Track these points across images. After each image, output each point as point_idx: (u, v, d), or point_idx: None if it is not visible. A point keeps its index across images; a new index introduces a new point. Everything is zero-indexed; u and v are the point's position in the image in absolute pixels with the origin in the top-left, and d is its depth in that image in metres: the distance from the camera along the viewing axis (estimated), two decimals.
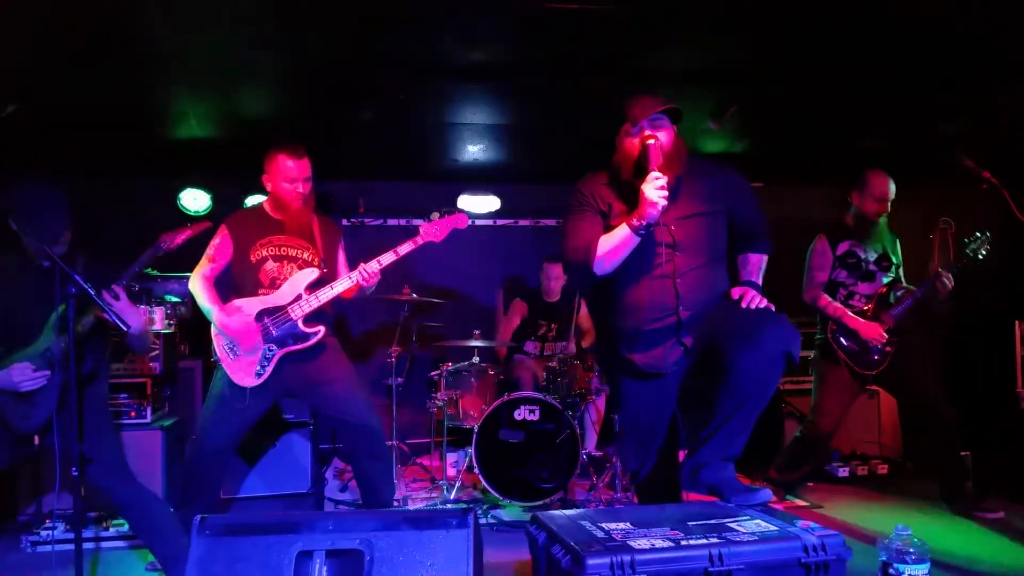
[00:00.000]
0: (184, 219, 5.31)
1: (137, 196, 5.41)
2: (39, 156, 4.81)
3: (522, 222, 6.44)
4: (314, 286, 3.38)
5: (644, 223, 2.64)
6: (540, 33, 3.70)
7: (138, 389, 4.14)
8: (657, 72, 4.11)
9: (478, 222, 6.26)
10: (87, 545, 3.60)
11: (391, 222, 6.20)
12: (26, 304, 2.95)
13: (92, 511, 3.90)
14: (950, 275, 3.98)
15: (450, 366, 4.87)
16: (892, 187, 4.15)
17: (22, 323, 2.96)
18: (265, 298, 3.36)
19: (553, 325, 5.46)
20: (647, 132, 2.73)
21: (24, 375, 2.88)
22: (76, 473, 2.73)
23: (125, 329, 2.88)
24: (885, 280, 4.20)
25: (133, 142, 4.95)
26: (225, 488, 4.43)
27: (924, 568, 2.31)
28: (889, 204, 4.16)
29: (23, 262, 2.99)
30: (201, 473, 3.36)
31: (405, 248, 3.43)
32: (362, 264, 3.39)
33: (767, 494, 2.62)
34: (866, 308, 4.16)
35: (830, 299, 4.20)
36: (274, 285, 3.38)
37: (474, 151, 5.52)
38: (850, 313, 4.13)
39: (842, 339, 4.14)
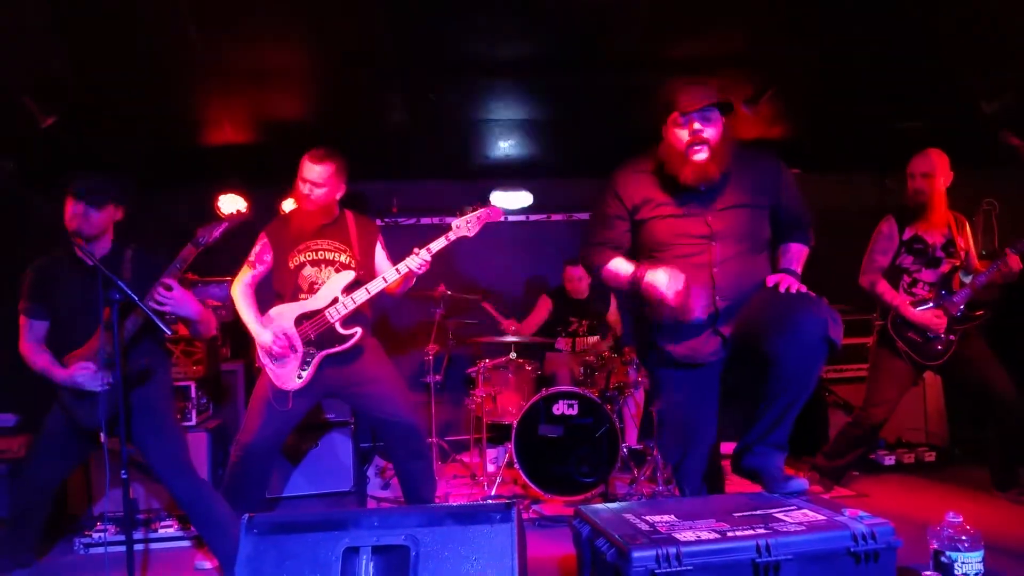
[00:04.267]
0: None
1: (174, 203, 5.50)
2: (76, 166, 4.91)
3: (555, 217, 6.42)
4: (351, 288, 3.43)
5: (640, 286, 2.72)
6: (570, 25, 3.68)
7: (182, 392, 4.21)
8: (690, 59, 4.06)
9: (511, 218, 6.27)
10: (136, 546, 3.67)
11: (424, 221, 6.22)
12: (83, 299, 3.01)
13: (140, 513, 3.99)
14: (1017, 256, 3.83)
15: (487, 362, 4.88)
16: (932, 161, 3.99)
17: (78, 319, 3.05)
18: (303, 303, 3.43)
19: (584, 321, 5.43)
20: (698, 127, 2.71)
21: (86, 375, 2.99)
22: (125, 475, 2.79)
23: (168, 333, 2.95)
24: (947, 268, 4.06)
25: (169, 149, 5.04)
26: (270, 488, 4.50)
27: (978, 556, 2.26)
28: (931, 180, 4.00)
29: (69, 260, 3.07)
30: (247, 473, 3.42)
31: (438, 244, 3.41)
32: (402, 262, 3.40)
33: (803, 483, 2.59)
34: (928, 296, 4.04)
35: (889, 286, 4.09)
36: (312, 290, 3.45)
37: (505, 147, 5.51)
38: (909, 304, 4.02)
39: (904, 330, 4.04)
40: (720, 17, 3.67)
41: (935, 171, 4.01)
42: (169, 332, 2.98)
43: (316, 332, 3.39)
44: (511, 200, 6.14)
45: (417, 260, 3.36)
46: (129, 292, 2.82)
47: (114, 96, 4.10)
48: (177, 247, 3.12)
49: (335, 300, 3.40)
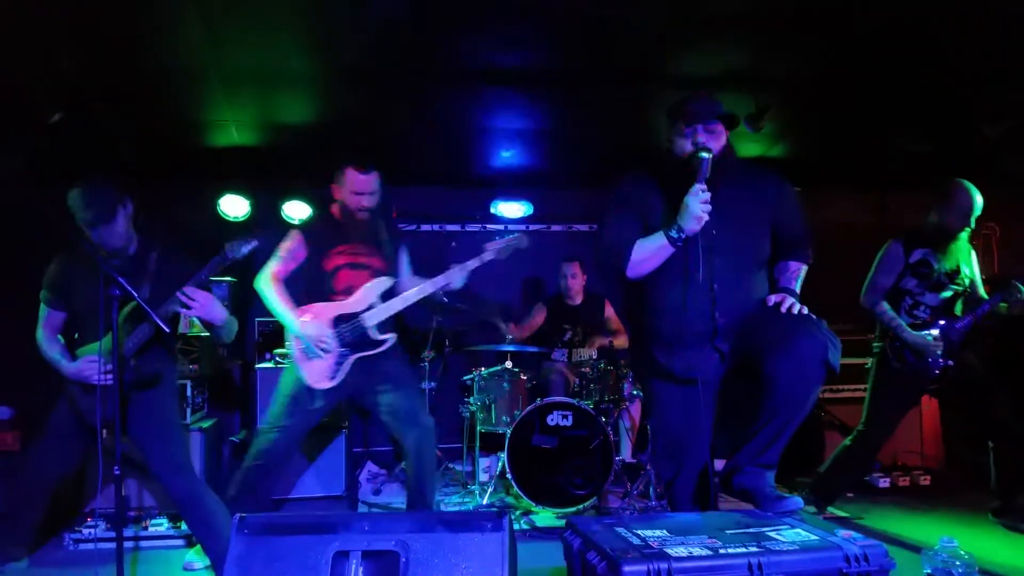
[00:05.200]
0: (224, 225, 5.38)
1: (177, 202, 5.50)
2: (81, 165, 4.92)
3: (555, 227, 6.42)
4: (387, 295, 3.52)
5: (683, 235, 2.63)
6: (575, 38, 3.70)
7: (178, 391, 4.19)
8: (693, 75, 4.08)
9: (510, 227, 6.27)
10: (127, 544, 3.65)
11: (424, 227, 6.23)
12: (97, 296, 2.99)
13: (131, 511, 3.97)
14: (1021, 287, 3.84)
15: (483, 371, 4.87)
16: (978, 201, 3.93)
17: (93, 315, 3.03)
18: (341, 304, 3.48)
19: (579, 328, 5.42)
20: (700, 140, 2.69)
21: (94, 369, 3.00)
22: (118, 472, 2.78)
23: (167, 330, 2.96)
24: (948, 293, 4.04)
25: (173, 149, 5.05)
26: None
27: None
28: (974, 219, 3.96)
29: (86, 257, 3.07)
30: (265, 469, 3.47)
31: (473, 264, 3.57)
32: (442, 276, 3.54)
33: (798, 502, 2.57)
34: (928, 320, 4.04)
35: (888, 307, 4.07)
36: (349, 292, 3.49)
37: (507, 156, 5.52)
38: (906, 327, 4.01)
39: (903, 352, 4.03)
40: (724, 34, 3.69)
41: (978, 211, 3.97)
42: (169, 330, 2.98)
43: (352, 334, 3.44)
44: (512, 209, 6.15)
45: (460, 276, 3.52)
46: (131, 290, 2.83)
47: (120, 97, 4.11)
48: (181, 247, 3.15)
49: (371, 305, 3.47)
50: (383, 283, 3.53)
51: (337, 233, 3.55)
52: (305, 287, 3.56)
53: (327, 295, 3.49)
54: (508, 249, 3.58)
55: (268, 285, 3.50)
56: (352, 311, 3.47)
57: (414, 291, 3.51)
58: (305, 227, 3.65)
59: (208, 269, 3.04)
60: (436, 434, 3.60)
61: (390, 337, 3.50)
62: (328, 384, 3.43)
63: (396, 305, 3.49)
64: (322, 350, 3.39)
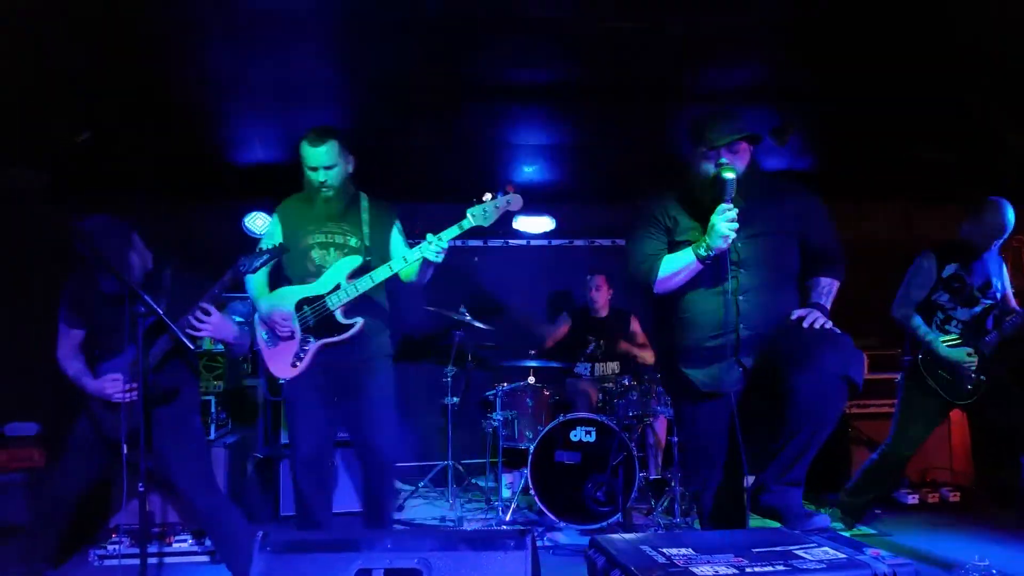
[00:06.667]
0: (251, 242, 5.43)
1: (204, 221, 5.57)
2: (107, 183, 5.01)
3: (577, 242, 6.42)
4: (356, 274, 3.24)
5: (711, 255, 2.63)
6: (595, 52, 3.70)
7: (202, 408, 4.22)
8: (718, 90, 4.07)
9: (533, 242, 6.28)
10: (151, 560, 3.67)
11: (449, 243, 6.23)
12: (116, 312, 3.00)
13: (155, 526, 3.99)
14: None
15: (505, 386, 4.86)
16: (1010, 217, 3.89)
17: (112, 331, 3.07)
18: (306, 287, 3.26)
19: (602, 341, 5.38)
20: (724, 161, 2.69)
21: (116, 386, 3.04)
22: (142, 488, 2.80)
23: (192, 348, 2.98)
24: (983, 307, 3.98)
25: (199, 168, 5.11)
26: (284, 506, 4.50)
27: None
28: (1007, 234, 3.92)
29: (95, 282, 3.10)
30: (300, 485, 3.29)
31: (450, 233, 3.18)
32: (412, 250, 3.21)
33: (825, 519, 2.54)
34: (960, 336, 3.97)
35: (922, 321, 4.01)
36: (319, 273, 3.28)
37: (530, 171, 5.54)
38: (940, 341, 3.95)
39: (934, 367, 3.96)
40: (748, 49, 3.68)
41: (1011, 227, 3.93)
42: (194, 347, 3.02)
43: (316, 318, 3.22)
44: (534, 224, 6.15)
45: (431, 249, 3.13)
46: (158, 310, 2.87)
47: (144, 113, 4.18)
48: (204, 266, 3.16)
49: (338, 286, 3.21)
50: (351, 262, 3.25)
51: (309, 212, 3.32)
52: (286, 270, 3.36)
53: (303, 277, 3.29)
54: (494, 212, 3.19)
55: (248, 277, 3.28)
56: (316, 293, 3.23)
57: (383, 268, 3.19)
58: (281, 207, 3.43)
59: (221, 283, 3.04)
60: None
61: (358, 322, 3.21)
62: (290, 373, 3.23)
63: (364, 285, 3.18)
64: (282, 334, 3.22)
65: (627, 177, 5.04)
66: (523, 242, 6.29)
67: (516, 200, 3.23)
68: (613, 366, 5.29)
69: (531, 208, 6.14)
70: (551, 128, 4.83)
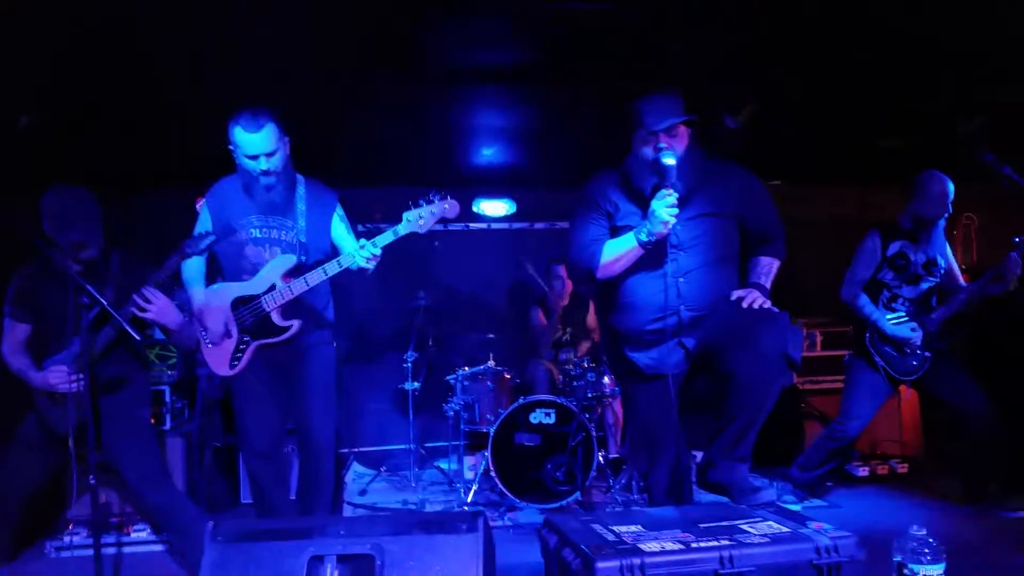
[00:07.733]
0: None
1: (154, 206, 5.47)
2: (62, 169, 4.88)
3: (538, 225, 6.43)
4: (292, 274, 3.13)
5: (652, 239, 2.65)
6: (545, 33, 3.70)
7: (156, 396, 4.18)
8: (676, 72, 4.08)
9: (493, 226, 6.28)
10: (110, 550, 3.64)
11: None
12: (64, 306, 2.97)
13: (114, 516, 3.96)
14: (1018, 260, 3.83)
15: (466, 369, 4.88)
16: (950, 187, 3.99)
17: (60, 325, 3.04)
18: (242, 285, 3.14)
19: (567, 328, 5.44)
20: (663, 146, 2.71)
21: (60, 377, 3.00)
22: (93, 481, 2.78)
23: (138, 338, 2.95)
24: (928, 285, 4.11)
25: (156, 152, 5.01)
26: (244, 494, 4.49)
27: (939, 568, 2.28)
28: (950, 206, 4.01)
29: (51, 267, 3.06)
30: (255, 477, 3.26)
31: (384, 239, 3.03)
32: (345, 256, 3.07)
33: (771, 494, 2.62)
34: (907, 313, 4.09)
35: (868, 300, 4.12)
36: (255, 271, 3.15)
37: (489, 154, 5.52)
38: (886, 319, 4.07)
39: (881, 344, 4.09)
40: (707, 32, 3.69)
41: (951, 197, 4.02)
42: (140, 338, 2.98)
43: (252, 319, 3.11)
44: (494, 208, 6.15)
45: (362, 255, 2.99)
46: (101, 300, 2.83)
47: (102, 100, 4.09)
48: (159, 249, 3.11)
49: (272, 287, 3.09)
50: (286, 262, 3.12)
51: (243, 201, 3.14)
52: (220, 262, 3.21)
53: (238, 273, 3.16)
54: (429, 218, 3.05)
55: (184, 265, 3.17)
56: (252, 293, 3.10)
57: (316, 272, 3.05)
58: (210, 194, 3.21)
59: (167, 267, 3.02)
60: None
61: (294, 324, 3.12)
62: (228, 372, 3.15)
63: (298, 287, 3.06)
64: (213, 340, 3.13)
65: (588, 160, 5.02)
66: (484, 225, 6.28)
67: (453, 206, 3.12)
68: (574, 351, 5.32)
69: (492, 191, 6.16)
70: (510, 111, 4.81)
